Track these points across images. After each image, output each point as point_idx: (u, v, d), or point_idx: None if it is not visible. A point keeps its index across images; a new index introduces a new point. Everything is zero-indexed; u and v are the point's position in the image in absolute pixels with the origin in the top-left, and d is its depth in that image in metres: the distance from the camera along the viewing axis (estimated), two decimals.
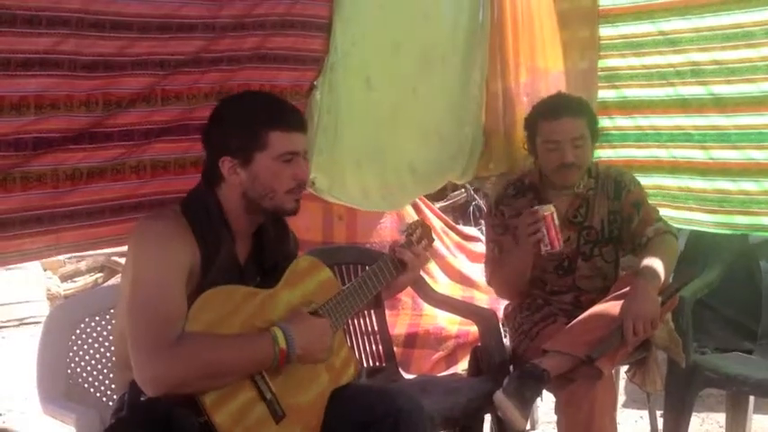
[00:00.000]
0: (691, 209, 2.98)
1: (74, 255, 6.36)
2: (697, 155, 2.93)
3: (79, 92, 1.95)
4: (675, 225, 2.74)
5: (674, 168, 2.99)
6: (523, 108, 3.00)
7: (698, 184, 2.95)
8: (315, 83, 2.48)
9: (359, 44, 2.52)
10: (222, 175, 1.75)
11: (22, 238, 1.95)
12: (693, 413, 2.61)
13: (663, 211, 2.63)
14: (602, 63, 3.07)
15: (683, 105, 2.91)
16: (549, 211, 2.31)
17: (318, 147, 2.48)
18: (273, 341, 1.63)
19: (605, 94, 3.09)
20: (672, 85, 2.91)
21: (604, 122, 2.94)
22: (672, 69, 2.89)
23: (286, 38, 2.34)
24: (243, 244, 1.82)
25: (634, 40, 2.96)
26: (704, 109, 2.87)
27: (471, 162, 3.08)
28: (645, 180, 2.74)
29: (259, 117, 1.75)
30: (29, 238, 1.96)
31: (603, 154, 3.07)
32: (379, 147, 2.73)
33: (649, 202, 2.53)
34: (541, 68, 3.12)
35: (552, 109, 2.44)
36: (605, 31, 3.02)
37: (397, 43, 2.67)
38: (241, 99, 1.87)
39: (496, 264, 2.56)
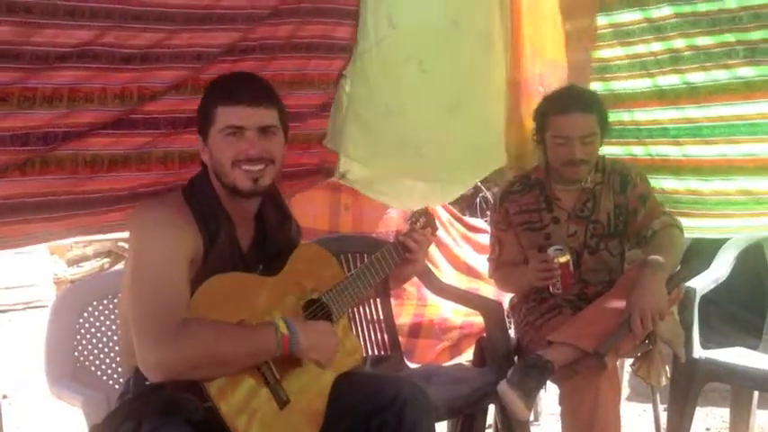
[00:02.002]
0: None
1: (80, 239, 6.37)
2: (671, 152, 2.76)
3: (113, 84, 1.93)
4: None
5: (649, 167, 2.78)
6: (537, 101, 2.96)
7: (671, 184, 2.79)
8: (344, 72, 2.46)
9: (401, 26, 2.45)
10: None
11: (33, 223, 1.93)
12: (697, 408, 2.61)
13: None
14: (594, 54, 2.90)
15: (660, 97, 2.73)
16: (565, 258, 2.33)
17: (350, 137, 2.46)
18: (275, 329, 1.64)
19: (593, 86, 2.89)
20: (650, 75, 2.75)
21: None
22: (652, 58, 2.72)
23: (317, 26, 2.32)
24: (245, 230, 1.82)
25: (623, 28, 2.78)
26: (679, 100, 2.68)
27: (496, 158, 3.00)
28: None
29: (213, 93, 1.77)
30: (40, 224, 1.94)
31: None
32: (441, 133, 2.66)
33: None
34: (552, 60, 3.08)
35: (563, 103, 2.43)
36: (599, 21, 2.85)
37: (454, 21, 2.59)
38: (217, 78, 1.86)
39: (498, 265, 2.58)
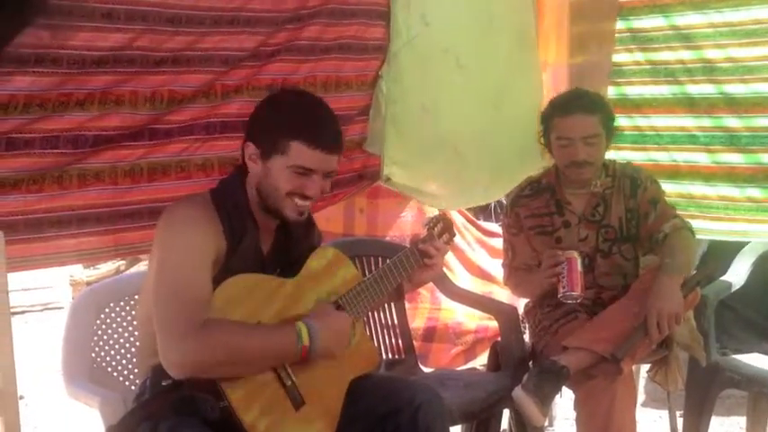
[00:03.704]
0: (693, 216, 2.82)
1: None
2: (701, 158, 2.80)
3: (144, 88, 1.94)
4: None
5: (675, 173, 2.84)
6: None
7: (700, 189, 2.82)
8: (380, 72, 2.45)
9: (435, 23, 2.44)
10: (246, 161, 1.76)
11: (78, 238, 1.94)
12: (713, 415, 2.59)
13: None
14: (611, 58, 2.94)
15: (691, 105, 2.78)
16: (572, 254, 2.32)
17: (389, 139, 2.45)
18: (297, 336, 1.64)
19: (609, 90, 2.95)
20: (679, 83, 2.78)
21: None
22: (681, 66, 2.75)
23: (348, 27, 2.33)
24: (267, 235, 1.83)
25: (644, 34, 2.81)
26: (714, 109, 2.73)
27: (534, 159, 2.97)
28: None
29: (291, 123, 1.73)
30: (86, 238, 1.95)
31: None
32: (481, 130, 2.64)
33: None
34: (543, 62, 3.05)
35: (566, 105, 2.44)
36: (618, 25, 2.89)
37: (489, 18, 2.58)
38: (291, 97, 1.82)
39: (512, 271, 2.58)
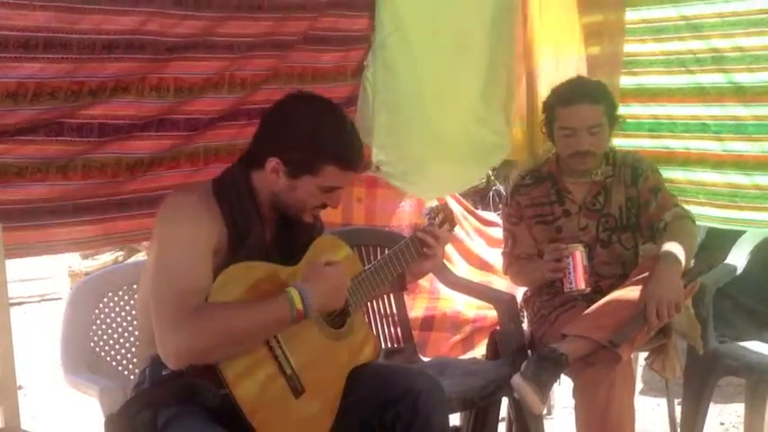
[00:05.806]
0: (701, 204, 2.86)
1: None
2: (712, 146, 2.82)
3: (153, 74, 1.91)
4: None
5: (686, 160, 2.88)
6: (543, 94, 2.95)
7: (710, 177, 2.85)
8: (365, 63, 2.43)
9: (419, 15, 2.47)
10: (264, 167, 1.74)
11: (72, 227, 1.94)
12: (711, 402, 2.60)
13: None
14: (623, 49, 2.95)
15: (701, 94, 2.80)
16: (576, 249, 2.32)
17: (379, 127, 2.44)
18: (290, 304, 1.63)
19: (623, 80, 2.97)
20: (691, 72, 2.81)
21: (620, 110, 2.89)
22: (692, 56, 2.78)
23: (330, 18, 2.29)
24: (270, 225, 1.83)
25: (655, 24, 2.84)
26: (723, 98, 2.76)
27: (507, 145, 3.00)
28: None
29: (326, 147, 1.72)
30: (79, 227, 1.95)
31: (615, 142, 2.95)
32: (467, 121, 2.68)
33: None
34: (561, 53, 3.06)
35: (570, 94, 2.43)
36: (627, 16, 2.91)
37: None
38: (318, 115, 1.76)
39: (512, 260, 2.58)
